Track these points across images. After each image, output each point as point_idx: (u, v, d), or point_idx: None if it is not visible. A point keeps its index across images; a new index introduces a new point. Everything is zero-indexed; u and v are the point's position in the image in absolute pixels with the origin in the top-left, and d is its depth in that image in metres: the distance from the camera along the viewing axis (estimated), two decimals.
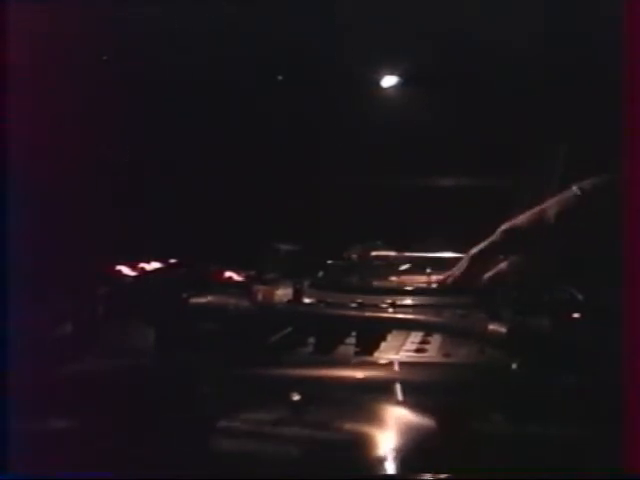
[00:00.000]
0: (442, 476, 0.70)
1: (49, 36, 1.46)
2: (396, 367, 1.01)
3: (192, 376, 1.00)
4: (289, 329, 1.12)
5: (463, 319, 1.14)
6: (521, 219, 1.21)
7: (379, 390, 0.95)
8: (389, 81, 2.23)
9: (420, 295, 1.39)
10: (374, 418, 0.87)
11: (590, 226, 1.09)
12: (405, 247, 1.82)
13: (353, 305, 1.22)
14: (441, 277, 1.35)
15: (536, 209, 1.19)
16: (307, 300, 1.30)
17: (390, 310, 1.22)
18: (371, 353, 1.07)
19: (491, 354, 1.01)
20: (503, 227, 1.22)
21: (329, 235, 1.96)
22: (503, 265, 1.23)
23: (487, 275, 1.24)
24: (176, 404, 0.90)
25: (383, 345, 1.09)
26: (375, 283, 1.56)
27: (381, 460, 0.76)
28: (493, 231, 1.25)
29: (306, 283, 1.42)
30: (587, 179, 1.13)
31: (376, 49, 2.07)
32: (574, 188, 1.15)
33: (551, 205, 1.17)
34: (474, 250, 1.25)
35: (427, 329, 1.12)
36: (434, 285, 1.43)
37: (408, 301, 1.35)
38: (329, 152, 2.16)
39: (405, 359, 1.03)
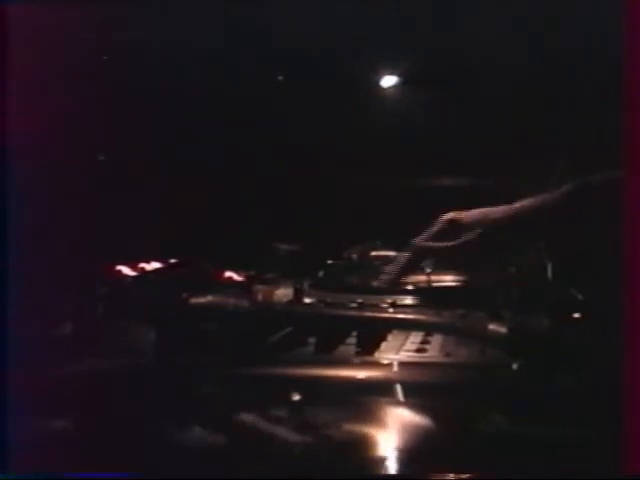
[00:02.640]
0: (442, 476, 0.70)
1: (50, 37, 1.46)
2: (396, 367, 1.01)
3: (192, 376, 1.00)
4: (289, 329, 1.12)
5: (463, 319, 1.14)
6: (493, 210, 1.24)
7: (379, 390, 0.95)
8: (389, 81, 2.23)
9: (420, 295, 1.39)
10: (374, 418, 0.87)
11: (591, 225, 1.10)
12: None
13: (353, 305, 1.22)
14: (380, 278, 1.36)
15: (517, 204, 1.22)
16: (307, 300, 1.30)
17: (390, 310, 1.22)
18: (371, 353, 1.07)
19: (491, 354, 1.01)
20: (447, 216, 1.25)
21: (329, 235, 1.96)
22: (471, 235, 1.25)
23: (454, 243, 1.26)
24: (176, 404, 0.90)
25: (383, 345, 1.09)
26: (375, 283, 1.56)
27: (381, 460, 0.76)
28: None
29: (306, 283, 1.42)
30: (590, 176, 1.14)
31: (376, 49, 2.07)
32: (577, 187, 1.16)
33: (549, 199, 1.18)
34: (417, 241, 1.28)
35: (427, 329, 1.12)
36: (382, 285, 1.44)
37: (408, 301, 1.35)
38: (329, 152, 2.16)
39: (405, 359, 1.04)
